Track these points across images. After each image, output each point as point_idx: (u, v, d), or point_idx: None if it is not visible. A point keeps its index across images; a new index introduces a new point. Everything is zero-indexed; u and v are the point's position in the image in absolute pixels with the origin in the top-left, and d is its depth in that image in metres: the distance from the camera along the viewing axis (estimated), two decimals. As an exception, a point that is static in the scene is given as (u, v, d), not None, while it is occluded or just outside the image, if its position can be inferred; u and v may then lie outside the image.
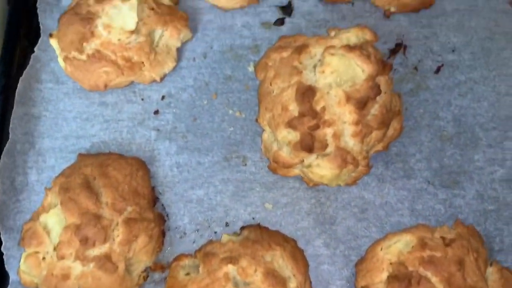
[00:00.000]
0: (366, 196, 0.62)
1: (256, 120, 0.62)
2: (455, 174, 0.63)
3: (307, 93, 0.54)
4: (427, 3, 0.67)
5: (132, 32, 0.60)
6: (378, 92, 0.54)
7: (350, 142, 0.55)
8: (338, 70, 0.55)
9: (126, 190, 0.57)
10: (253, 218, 0.61)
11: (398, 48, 0.67)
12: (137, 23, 0.60)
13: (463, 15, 0.68)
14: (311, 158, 0.56)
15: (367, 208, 0.62)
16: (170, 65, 0.64)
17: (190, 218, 0.61)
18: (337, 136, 0.55)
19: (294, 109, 0.55)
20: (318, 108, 0.54)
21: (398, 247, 0.57)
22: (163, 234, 0.60)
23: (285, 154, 0.57)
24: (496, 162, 0.64)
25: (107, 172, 0.58)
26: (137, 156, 0.62)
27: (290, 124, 0.55)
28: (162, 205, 0.62)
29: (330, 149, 0.55)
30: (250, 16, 0.68)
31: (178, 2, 0.68)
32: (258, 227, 0.60)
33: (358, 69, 0.55)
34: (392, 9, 0.67)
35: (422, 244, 0.56)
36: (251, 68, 0.66)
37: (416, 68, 0.66)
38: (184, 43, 0.66)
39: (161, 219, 0.60)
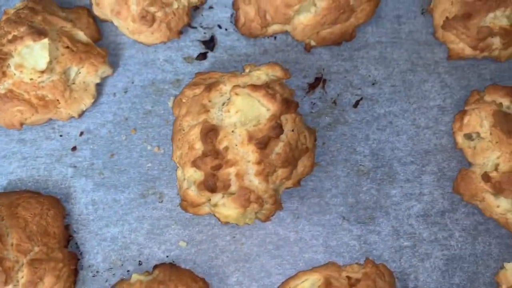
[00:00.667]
0: (281, 232, 0.62)
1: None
2: (371, 210, 0.63)
3: (210, 133, 0.54)
4: (348, 36, 0.67)
5: (43, 71, 0.60)
6: (280, 131, 0.54)
7: (255, 181, 0.55)
8: (243, 110, 0.55)
9: (34, 230, 0.57)
10: (167, 256, 0.61)
11: (317, 82, 0.67)
12: (50, 62, 0.60)
13: (386, 47, 0.69)
14: (217, 197, 0.56)
15: (282, 245, 0.62)
16: (87, 101, 0.64)
17: (103, 256, 0.61)
18: (240, 175, 0.55)
19: (199, 148, 0.55)
20: (221, 147, 0.54)
21: (304, 286, 0.57)
22: (75, 273, 0.60)
23: (193, 192, 0.57)
24: (413, 197, 0.63)
25: (16, 212, 0.58)
26: (51, 194, 0.62)
27: (195, 164, 0.55)
28: (76, 243, 0.62)
29: (234, 188, 0.55)
30: (172, 50, 0.69)
31: (99, 39, 0.68)
32: (169, 266, 0.60)
33: (263, 108, 0.55)
34: (312, 43, 0.67)
35: (327, 284, 0.56)
36: (170, 103, 0.66)
37: (335, 102, 0.66)
38: (104, 79, 0.67)
39: (73, 258, 0.60)
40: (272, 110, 0.55)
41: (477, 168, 0.61)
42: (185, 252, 0.61)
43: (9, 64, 0.61)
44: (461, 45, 0.66)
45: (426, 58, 0.68)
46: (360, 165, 0.64)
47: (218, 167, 0.54)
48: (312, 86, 0.67)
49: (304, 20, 0.65)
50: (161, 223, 0.62)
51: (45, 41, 0.60)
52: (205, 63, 0.68)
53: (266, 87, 0.56)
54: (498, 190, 0.58)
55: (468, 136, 0.63)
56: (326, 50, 0.68)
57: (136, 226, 0.62)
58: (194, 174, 0.56)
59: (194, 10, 0.69)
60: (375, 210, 0.63)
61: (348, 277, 0.56)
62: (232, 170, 0.55)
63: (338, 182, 0.64)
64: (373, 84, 0.67)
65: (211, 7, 0.69)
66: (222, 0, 0.69)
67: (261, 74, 0.58)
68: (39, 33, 0.60)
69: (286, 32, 0.68)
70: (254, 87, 0.56)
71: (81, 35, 0.65)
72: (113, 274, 0.60)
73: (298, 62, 0.68)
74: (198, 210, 0.59)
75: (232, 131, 0.55)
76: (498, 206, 0.60)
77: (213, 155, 0.54)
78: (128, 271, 0.61)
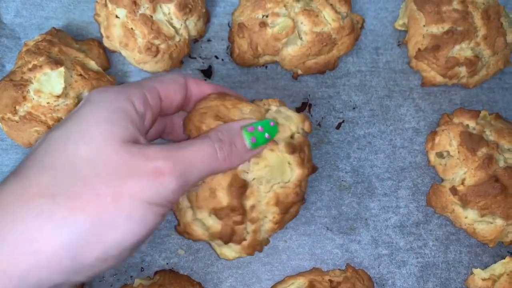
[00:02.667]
0: (271, 241, 0.68)
1: None
2: (352, 221, 0.69)
3: (240, 188, 0.52)
4: (331, 65, 0.75)
5: (59, 96, 0.68)
6: (303, 200, 0.56)
7: (265, 235, 0.57)
8: (273, 166, 0.53)
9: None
10: (167, 263, 0.67)
11: (304, 106, 0.74)
12: (65, 88, 0.68)
13: (365, 75, 0.76)
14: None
15: (271, 253, 0.68)
16: (97, 123, 0.71)
17: (109, 263, 0.67)
18: (256, 231, 0.55)
19: (223, 198, 0.52)
20: (247, 205, 0.53)
21: (291, 289, 0.63)
22: (83, 278, 0.66)
23: (199, 229, 0.55)
24: (391, 210, 0.70)
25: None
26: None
27: (216, 213, 0.53)
28: (84, 251, 0.68)
29: (247, 241, 0.56)
30: (174, 78, 0.76)
31: (108, 67, 0.76)
32: (169, 272, 0.65)
33: (289, 168, 0.54)
34: (299, 72, 0.75)
35: (311, 286, 0.61)
36: None
37: (319, 124, 0.73)
38: (112, 103, 0.74)
39: (82, 264, 0.66)
40: (299, 175, 0.54)
41: (447, 183, 0.68)
42: (183, 259, 0.67)
43: (28, 89, 0.68)
44: (432, 73, 0.74)
45: (401, 85, 0.76)
46: (342, 180, 0.71)
47: (240, 223, 0.53)
48: (299, 110, 0.74)
49: (291, 51, 0.72)
50: (161, 233, 0.68)
51: (61, 69, 0.68)
52: (203, 90, 0.76)
53: (300, 151, 0.54)
54: (465, 202, 0.65)
55: (440, 155, 0.70)
56: (311, 78, 0.76)
57: (139, 236, 0.68)
58: (209, 219, 0.54)
59: (194, 42, 0.77)
60: (356, 221, 0.69)
61: (330, 281, 0.62)
62: (251, 227, 0.54)
63: (322, 196, 0.70)
64: (354, 108, 0.74)
65: (209, 40, 0.77)
66: (219, 34, 0.77)
67: (291, 125, 0.56)
68: (56, 63, 0.68)
69: (276, 62, 0.75)
70: (292, 148, 0.54)
71: (93, 64, 0.72)
72: (118, 279, 0.66)
73: (286, 88, 0.75)
74: (195, 238, 0.57)
75: (258, 187, 0.53)
76: (466, 217, 0.66)
77: (239, 211, 0.52)
78: (131, 276, 0.66)
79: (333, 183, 0.71)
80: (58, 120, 0.69)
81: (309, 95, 0.75)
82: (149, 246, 0.68)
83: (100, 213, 0.41)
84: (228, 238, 0.53)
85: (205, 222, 0.54)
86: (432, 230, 0.69)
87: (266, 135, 0.51)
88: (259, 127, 0.51)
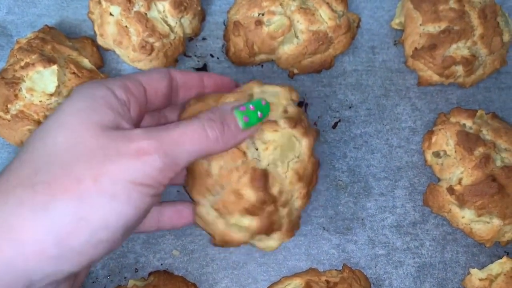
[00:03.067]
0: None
1: (185, 189, 0.59)
2: (349, 221, 0.69)
3: (262, 179, 0.51)
4: (327, 65, 0.74)
5: (52, 94, 0.66)
6: (319, 166, 0.57)
7: (297, 213, 0.57)
8: (282, 146, 0.53)
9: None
10: (162, 264, 0.66)
11: (300, 105, 0.73)
12: (58, 86, 0.67)
13: (361, 74, 0.76)
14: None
15: (267, 253, 0.67)
16: (91, 122, 0.70)
17: (102, 264, 0.66)
18: (289, 213, 0.55)
19: (250, 195, 0.51)
20: (275, 192, 0.52)
21: (287, 290, 0.62)
22: (76, 279, 0.65)
23: (236, 234, 0.54)
24: (387, 210, 0.69)
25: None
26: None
27: (250, 212, 0.52)
28: (77, 252, 0.66)
29: (284, 225, 0.55)
30: (168, 77, 0.75)
31: (102, 66, 0.75)
32: (164, 273, 0.65)
33: (295, 141, 0.54)
34: (295, 71, 0.74)
35: (308, 287, 0.61)
36: None
37: (316, 124, 0.73)
38: (106, 102, 0.73)
39: (75, 265, 0.65)
40: (307, 144, 0.54)
41: (444, 183, 0.67)
42: (178, 260, 0.66)
43: (21, 88, 0.67)
44: (429, 73, 0.74)
45: (398, 84, 0.75)
46: (339, 180, 0.70)
47: (275, 211, 0.53)
48: (295, 109, 0.73)
49: (287, 50, 0.72)
50: (156, 234, 0.67)
51: (54, 67, 0.67)
52: (198, 88, 0.75)
53: (300, 122, 0.54)
54: (462, 202, 0.64)
55: (436, 154, 0.70)
56: (307, 77, 0.75)
57: (133, 236, 0.67)
58: (244, 220, 0.53)
59: (189, 40, 0.76)
60: (353, 221, 0.69)
61: (327, 281, 0.61)
62: (284, 211, 0.54)
63: (319, 195, 0.69)
64: (350, 107, 0.74)
65: (204, 38, 0.77)
66: (214, 32, 0.76)
67: (281, 100, 0.55)
68: (49, 60, 0.67)
69: (272, 61, 0.75)
70: (294, 122, 0.53)
71: (86, 62, 0.71)
72: (111, 281, 0.65)
73: (282, 87, 0.74)
74: (236, 244, 0.56)
75: (277, 171, 0.53)
76: (463, 217, 0.66)
77: (270, 201, 0.52)
78: (125, 277, 0.65)
79: (330, 182, 0.70)
80: (51, 119, 0.68)
81: (305, 94, 0.74)
82: (143, 247, 0.67)
83: (82, 196, 0.40)
84: (269, 230, 0.53)
85: (241, 225, 0.53)
86: (429, 230, 0.69)
87: (259, 113, 0.51)
88: (251, 106, 0.50)
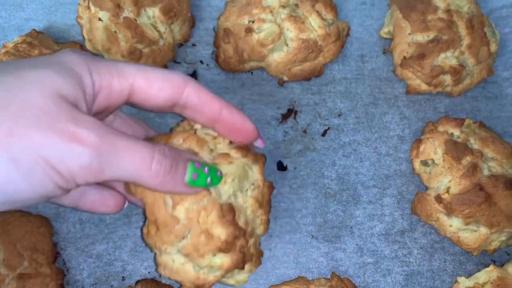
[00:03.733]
0: (256, 250, 0.67)
1: (142, 238, 0.59)
2: (337, 229, 0.68)
3: (231, 213, 0.50)
4: (317, 72, 0.75)
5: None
6: (273, 189, 0.57)
7: (260, 240, 0.57)
8: (239, 176, 0.52)
9: (24, 246, 0.61)
10: (149, 273, 0.66)
11: (289, 113, 0.74)
12: (45, 91, 0.66)
13: (351, 83, 0.76)
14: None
15: (255, 262, 0.66)
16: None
17: (89, 272, 0.65)
18: (255, 242, 0.55)
19: (219, 232, 0.50)
20: (242, 224, 0.52)
21: (275, 299, 0.62)
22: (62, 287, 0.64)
23: (210, 276, 0.53)
24: (376, 218, 0.69)
25: (8, 229, 0.62)
26: (41, 213, 0.67)
27: (222, 250, 0.50)
28: (63, 260, 0.65)
29: (254, 255, 0.55)
30: (157, 83, 0.75)
31: (90, 71, 0.74)
32: (151, 281, 0.64)
33: (249, 170, 0.54)
34: (285, 78, 0.74)
35: (296, 296, 0.60)
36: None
37: (305, 131, 0.73)
38: (94, 108, 0.72)
39: (60, 273, 0.64)
40: (259, 169, 0.54)
41: (432, 191, 0.68)
42: (165, 268, 0.66)
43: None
44: (417, 81, 0.74)
45: (387, 92, 0.76)
46: (328, 188, 0.70)
47: (246, 244, 0.52)
48: (285, 117, 0.73)
49: (277, 58, 0.72)
50: (143, 242, 0.67)
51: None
52: (188, 95, 0.75)
53: (249, 149, 0.54)
54: (450, 210, 0.65)
55: (424, 163, 0.70)
56: (297, 84, 0.75)
57: (120, 244, 0.66)
58: (216, 259, 0.51)
59: (179, 47, 0.76)
60: (341, 229, 0.68)
61: (315, 289, 0.61)
62: (251, 240, 0.54)
63: (308, 203, 0.69)
64: (339, 115, 0.74)
65: (194, 45, 0.76)
66: (204, 38, 0.76)
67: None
68: (36, 65, 0.66)
69: (261, 68, 0.75)
70: (245, 151, 0.53)
71: (74, 68, 0.71)
72: (97, 289, 0.65)
73: (272, 95, 0.74)
74: (207, 286, 0.54)
75: (237, 202, 0.52)
76: (450, 226, 0.66)
77: (239, 234, 0.51)
78: (112, 286, 0.65)
79: (319, 190, 0.70)
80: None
81: (295, 102, 0.74)
82: (130, 255, 0.66)
83: None
84: (243, 263, 0.52)
85: (213, 265, 0.52)
86: (417, 238, 0.69)
87: (208, 180, 0.48)
88: (206, 169, 0.48)
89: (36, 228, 0.64)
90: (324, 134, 0.73)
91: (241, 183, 0.52)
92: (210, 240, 0.49)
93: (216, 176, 0.49)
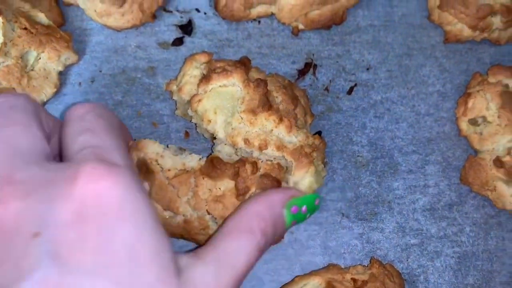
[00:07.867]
0: (273, 233, 0.55)
1: None
2: (372, 205, 0.57)
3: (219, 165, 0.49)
4: (339, 19, 0.62)
5: (-5, 54, 0.52)
6: (265, 85, 0.52)
7: (291, 138, 0.52)
8: (219, 105, 0.51)
9: None
10: (143, 265, 0.53)
11: (307, 68, 0.61)
12: (4, 44, 0.53)
13: (379, 31, 0.64)
14: None
15: (274, 248, 0.54)
16: (49, 91, 0.57)
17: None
18: (280, 147, 0.51)
19: (224, 184, 0.50)
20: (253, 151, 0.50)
21: (304, 292, 0.50)
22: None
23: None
24: (418, 190, 0.58)
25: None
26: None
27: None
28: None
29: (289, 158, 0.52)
30: (145, 36, 0.62)
31: (63, 24, 0.61)
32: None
33: (230, 88, 0.52)
34: (300, 26, 0.62)
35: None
36: (165, 87, 0.59)
37: (327, 89, 0.60)
38: (68, 67, 0.59)
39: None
40: (239, 77, 0.52)
41: (486, 155, 0.56)
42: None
43: (-44, 47, 0.53)
44: (459, 26, 0.62)
45: (422, 41, 0.64)
46: (358, 156, 0.58)
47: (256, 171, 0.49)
48: (302, 72, 0.61)
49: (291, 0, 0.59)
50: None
51: (-2, 20, 0.53)
52: (182, 49, 0.62)
53: (213, 70, 0.53)
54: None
55: (473, 122, 0.58)
56: (315, 34, 0.63)
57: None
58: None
59: (169, -8, 0.63)
60: (377, 205, 0.57)
61: (354, 279, 0.49)
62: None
63: (335, 175, 0.58)
64: (368, 69, 0.62)
65: (188, -11, 0.63)
66: (200, -19, 0.63)
67: (196, 71, 0.55)
68: (-9, 12, 0.53)
69: (271, 15, 0.62)
70: (206, 78, 0.52)
71: (42, 17, 0.58)
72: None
73: (285, 47, 0.62)
74: None
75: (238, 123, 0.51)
76: (511, 195, 0.55)
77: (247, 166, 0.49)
78: None
79: (347, 159, 0.58)
80: (-4, 86, 0.54)
81: (313, 55, 0.62)
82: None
83: None
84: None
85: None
86: (468, 212, 0.58)
87: (308, 215, 0.45)
88: (303, 208, 0.44)
89: None
90: (350, 91, 0.61)
91: (226, 108, 0.51)
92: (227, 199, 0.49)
93: (314, 206, 0.46)
